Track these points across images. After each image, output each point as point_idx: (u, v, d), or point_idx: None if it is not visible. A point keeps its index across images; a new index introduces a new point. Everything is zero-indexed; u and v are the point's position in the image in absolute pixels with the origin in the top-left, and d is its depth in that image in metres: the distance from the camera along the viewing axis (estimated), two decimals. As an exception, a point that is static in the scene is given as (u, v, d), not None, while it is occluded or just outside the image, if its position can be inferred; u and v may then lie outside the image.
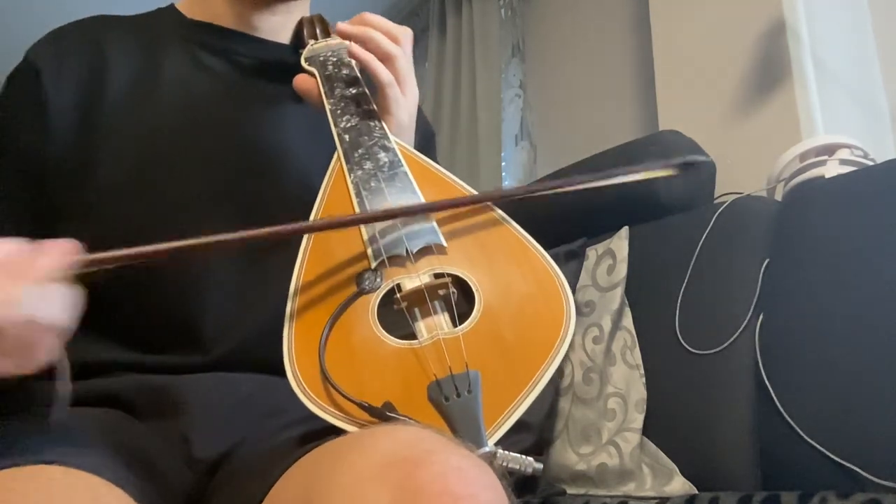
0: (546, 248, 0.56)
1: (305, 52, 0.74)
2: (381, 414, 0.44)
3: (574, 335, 0.49)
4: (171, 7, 0.80)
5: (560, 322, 0.49)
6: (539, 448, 1.21)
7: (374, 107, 0.67)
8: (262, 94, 0.75)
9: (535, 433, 1.20)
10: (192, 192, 0.68)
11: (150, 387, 0.62)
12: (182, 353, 0.64)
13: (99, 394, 0.62)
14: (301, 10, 0.81)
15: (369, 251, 0.54)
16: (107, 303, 0.66)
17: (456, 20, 2.64)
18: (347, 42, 0.72)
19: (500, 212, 0.59)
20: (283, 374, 0.49)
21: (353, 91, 0.68)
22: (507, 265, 0.54)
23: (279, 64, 0.77)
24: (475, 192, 0.60)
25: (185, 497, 0.58)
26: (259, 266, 0.66)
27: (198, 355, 0.64)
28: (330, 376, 0.46)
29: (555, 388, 1.24)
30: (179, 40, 0.75)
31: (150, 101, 0.71)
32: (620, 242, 1.28)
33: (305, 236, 0.57)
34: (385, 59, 0.68)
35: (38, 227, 0.70)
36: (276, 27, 0.79)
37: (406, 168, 0.60)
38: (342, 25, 0.71)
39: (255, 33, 0.78)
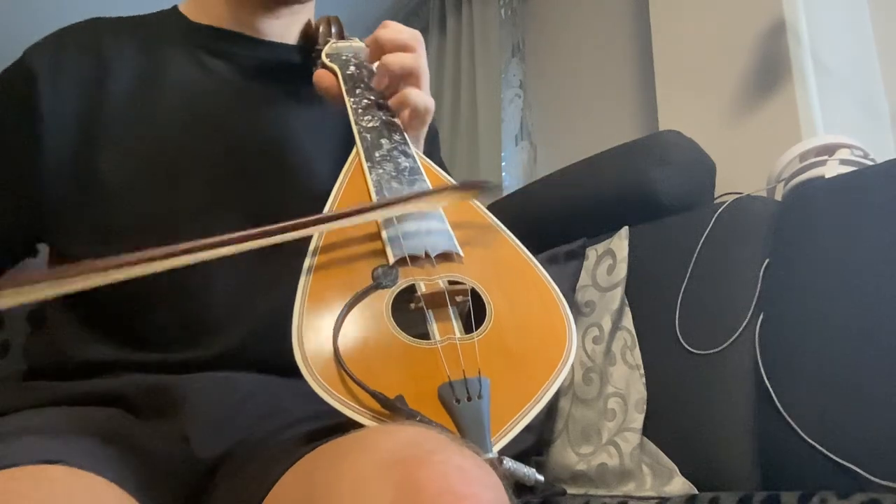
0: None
1: (327, 49, 0.75)
2: (393, 405, 0.44)
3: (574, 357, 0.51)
4: (174, 9, 0.79)
5: (563, 343, 0.51)
6: (539, 448, 1.21)
7: (396, 116, 0.68)
8: (266, 96, 0.74)
9: (535, 433, 1.20)
10: (196, 196, 0.67)
11: (150, 386, 0.62)
12: (185, 349, 0.64)
13: (99, 393, 0.62)
14: (305, 14, 0.81)
15: (388, 248, 0.55)
16: (109, 300, 0.66)
17: (456, 20, 2.64)
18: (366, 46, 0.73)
19: (507, 232, 0.60)
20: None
21: (375, 96, 0.69)
22: (515, 284, 0.55)
23: (283, 65, 0.77)
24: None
25: (185, 497, 0.58)
26: (263, 262, 0.66)
27: (199, 352, 0.64)
28: (343, 361, 0.46)
29: (555, 388, 1.24)
30: (182, 43, 0.75)
31: (152, 104, 0.70)
32: (620, 242, 1.28)
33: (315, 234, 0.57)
34: (408, 75, 0.67)
35: (25, 237, 0.70)
36: (280, 31, 0.79)
37: (426, 177, 0.61)
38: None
39: (261, 37, 0.78)
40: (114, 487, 0.48)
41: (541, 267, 0.57)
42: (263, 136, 0.72)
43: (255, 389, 0.64)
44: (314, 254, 0.55)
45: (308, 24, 0.80)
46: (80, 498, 0.44)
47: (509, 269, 0.56)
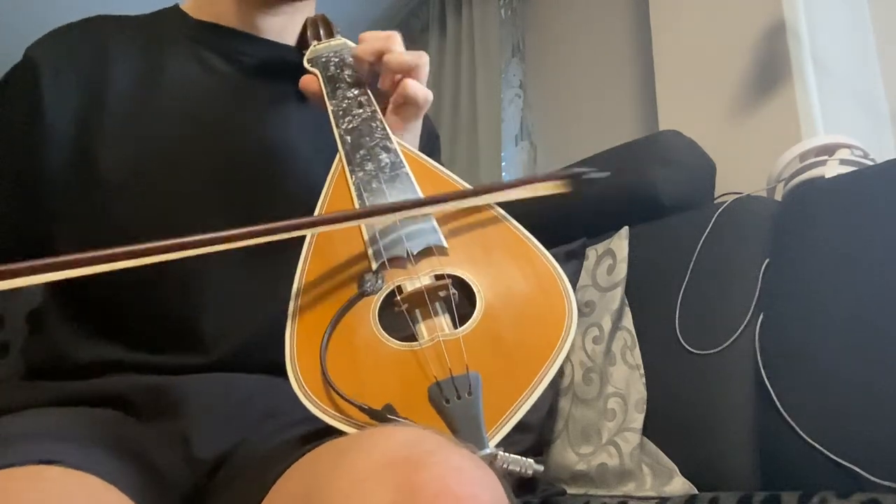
0: (546, 248, 0.56)
1: (308, 53, 0.74)
2: (381, 416, 0.44)
3: (574, 335, 0.49)
4: (176, 7, 0.79)
5: (561, 323, 0.49)
6: (539, 448, 1.21)
7: (377, 108, 0.67)
8: (265, 95, 0.74)
9: (535, 433, 1.20)
10: (194, 194, 0.67)
11: (150, 387, 0.62)
12: (183, 354, 0.64)
13: (99, 393, 0.62)
14: (307, 12, 0.81)
15: (370, 253, 0.54)
16: (107, 303, 0.66)
17: (456, 20, 2.64)
18: (351, 44, 0.72)
19: (501, 211, 0.58)
20: (283, 374, 0.49)
21: (356, 92, 0.68)
22: (508, 265, 0.53)
23: (283, 65, 0.77)
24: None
25: (184, 497, 0.58)
26: (260, 267, 0.66)
27: (198, 356, 0.64)
28: (330, 379, 0.46)
29: (555, 388, 1.24)
30: (183, 40, 0.75)
31: (153, 101, 0.70)
32: (620, 242, 1.28)
33: (307, 237, 0.57)
34: (411, 71, 0.67)
35: (27, 233, 0.70)
36: (281, 28, 0.79)
37: (408, 169, 0.60)
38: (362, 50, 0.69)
39: (261, 34, 0.78)
40: (111, 488, 0.48)
41: (538, 243, 0.55)
42: (261, 136, 0.72)
43: (255, 391, 0.64)
44: (305, 261, 0.55)
45: (304, 24, 0.80)
46: (77, 498, 0.44)
47: (501, 250, 0.55)
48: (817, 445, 0.93)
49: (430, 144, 0.79)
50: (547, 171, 1.91)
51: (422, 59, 0.67)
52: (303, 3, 0.78)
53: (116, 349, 0.65)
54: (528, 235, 0.56)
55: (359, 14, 2.81)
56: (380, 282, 0.52)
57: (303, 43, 0.78)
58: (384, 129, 0.65)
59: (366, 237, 0.56)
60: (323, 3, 0.82)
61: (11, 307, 1.04)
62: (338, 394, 0.45)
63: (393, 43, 0.67)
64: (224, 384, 0.64)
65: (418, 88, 0.66)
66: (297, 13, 0.80)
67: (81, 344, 0.66)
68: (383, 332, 0.49)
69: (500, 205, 0.59)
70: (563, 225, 1.37)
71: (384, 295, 0.51)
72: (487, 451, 0.42)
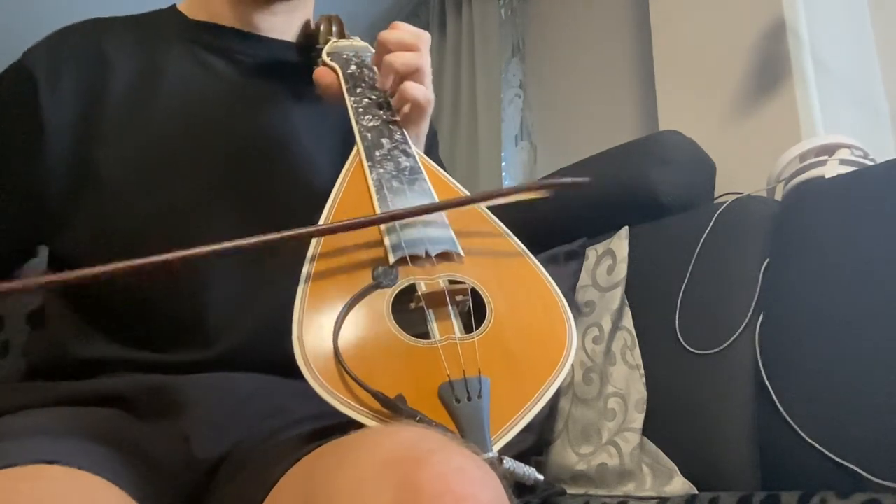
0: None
1: (328, 48, 0.75)
2: (393, 405, 0.44)
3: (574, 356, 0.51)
4: (172, 7, 0.80)
5: (563, 345, 0.51)
6: (539, 448, 1.21)
7: (397, 115, 0.68)
8: (264, 93, 0.75)
9: (535, 433, 1.20)
10: (195, 194, 0.67)
11: (150, 386, 0.62)
12: (184, 351, 0.64)
13: (100, 393, 0.62)
14: (303, 11, 0.81)
15: (389, 248, 0.55)
16: (108, 300, 0.66)
17: (456, 20, 2.64)
18: (372, 49, 0.73)
19: (510, 234, 0.60)
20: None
21: (377, 94, 0.70)
22: (516, 284, 0.55)
23: (282, 63, 0.77)
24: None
25: (185, 497, 0.58)
26: (262, 264, 0.66)
27: (200, 353, 0.64)
28: (344, 361, 0.46)
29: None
30: (181, 40, 0.75)
31: (152, 102, 0.70)
32: (620, 242, 1.28)
33: (325, 211, 0.57)
34: (412, 73, 0.68)
35: (25, 237, 0.70)
36: (278, 27, 0.79)
37: (426, 176, 0.61)
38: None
39: (258, 32, 0.78)
40: (112, 488, 0.48)
41: (542, 268, 0.57)
42: (262, 134, 0.72)
43: (256, 390, 0.64)
44: (315, 250, 0.55)
45: (308, 23, 0.80)
46: (77, 498, 0.44)
47: (510, 270, 0.56)
48: (817, 445, 0.93)
49: (428, 138, 0.79)
50: (546, 171, 1.91)
51: (422, 59, 0.67)
52: (298, 3, 0.79)
53: (117, 348, 0.65)
54: (534, 259, 0.58)
55: (359, 13, 2.81)
56: (394, 276, 0.52)
57: (308, 40, 0.78)
58: (405, 135, 0.66)
59: (384, 234, 0.56)
60: (323, 2, 0.82)
61: (12, 308, 1.05)
62: (351, 376, 0.45)
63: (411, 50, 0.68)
64: (225, 384, 0.64)
65: (418, 90, 0.67)
66: (295, 11, 0.80)
67: (83, 343, 0.66)
68: (396, 325, 0.50)
69: (493, 209, 0.61)
70: (563, 225, 1.37)
71: (399, 289, 0.52)
72: (491, 454, 0.42)
